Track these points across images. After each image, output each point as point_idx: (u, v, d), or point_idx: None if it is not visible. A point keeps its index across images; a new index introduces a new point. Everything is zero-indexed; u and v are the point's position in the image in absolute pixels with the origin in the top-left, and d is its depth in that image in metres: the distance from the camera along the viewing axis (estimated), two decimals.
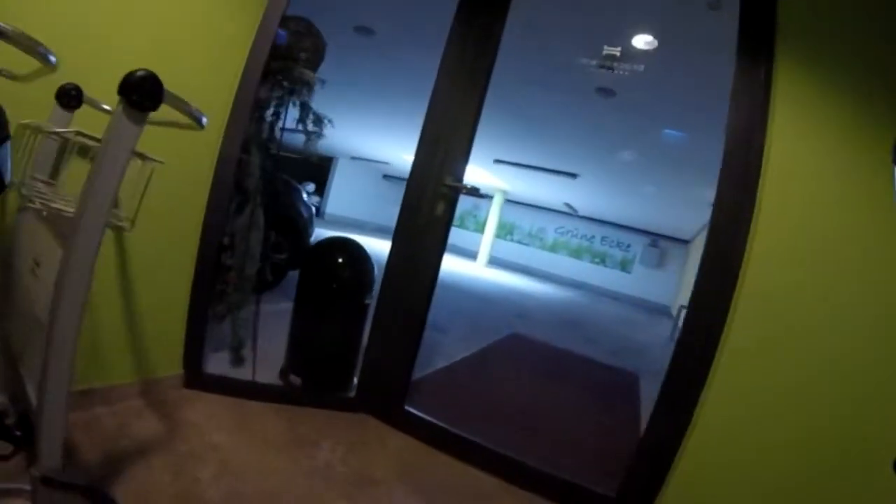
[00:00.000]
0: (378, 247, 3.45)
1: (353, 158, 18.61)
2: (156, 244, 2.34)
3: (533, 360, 5.23)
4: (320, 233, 5.38)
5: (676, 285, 16.89)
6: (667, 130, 6.18)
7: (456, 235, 19.94)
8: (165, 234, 2.39)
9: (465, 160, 2.76)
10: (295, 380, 3.00)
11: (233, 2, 2.40)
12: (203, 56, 2.33)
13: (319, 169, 19.51)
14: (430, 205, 2.72)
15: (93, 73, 1.74)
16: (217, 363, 2.90)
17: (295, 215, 5.22)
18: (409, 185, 2.77)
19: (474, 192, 2.70)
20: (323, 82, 3.08)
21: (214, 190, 2.55)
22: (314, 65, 3.17)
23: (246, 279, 3.11)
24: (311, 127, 3.06)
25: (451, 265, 13.96)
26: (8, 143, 1.17)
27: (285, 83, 2.99)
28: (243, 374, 2.91)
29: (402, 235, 2.79)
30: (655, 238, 18.23)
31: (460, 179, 2.72)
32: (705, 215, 9.73)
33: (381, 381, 2.83)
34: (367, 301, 2.99)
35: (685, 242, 17.34)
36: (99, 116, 1.65)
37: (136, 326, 2.36)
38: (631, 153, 7.80)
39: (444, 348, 4.61)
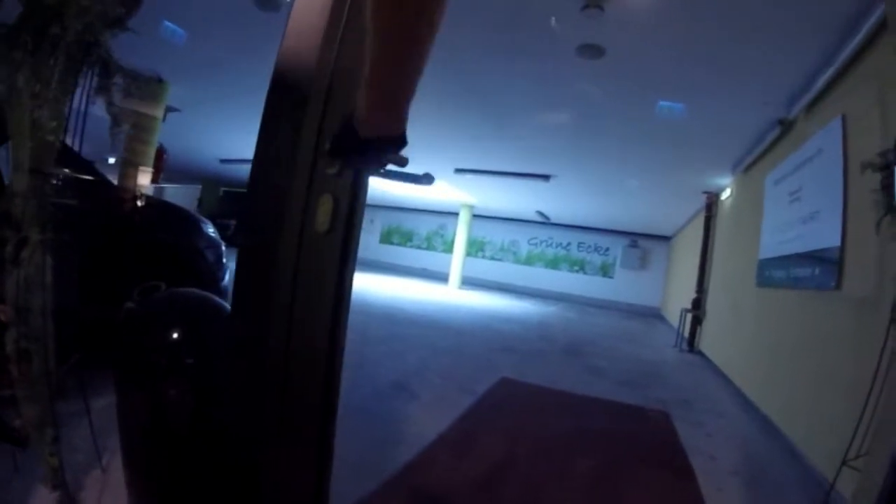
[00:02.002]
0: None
1: None
2: None
3: (535, 419, 3.85)
4: None
5: (662, 285, 16.26)
6: (662, 102, 4.95)
7: (425, 258, 19.35)
8: None
9: None
10: None
11: None
12: None
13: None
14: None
15: None
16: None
17: (193, 258, 3.85)
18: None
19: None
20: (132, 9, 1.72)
21: None
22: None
23: (38, 378, 1.77)
24: (113, 97, 1.69)
25: (420, 292, 12.71)
26: (8, 143, 1.10)
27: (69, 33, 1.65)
28: None
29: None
30: (635, 238, 17.36)
31: None
32: (694, 205, 8.76)
33: None
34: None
35: (667, 239, 16.57)
36: None
37: None
38: (617, 138, 6.58)
39: (413, 423, 3.29)
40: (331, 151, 1.08)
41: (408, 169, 1.04)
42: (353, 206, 1.33)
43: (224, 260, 4.12)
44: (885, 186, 2.23)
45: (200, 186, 19.48)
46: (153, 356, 1.55)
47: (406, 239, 20.50)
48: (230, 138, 10.64)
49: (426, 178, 1.07)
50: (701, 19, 3.43)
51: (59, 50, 1.73)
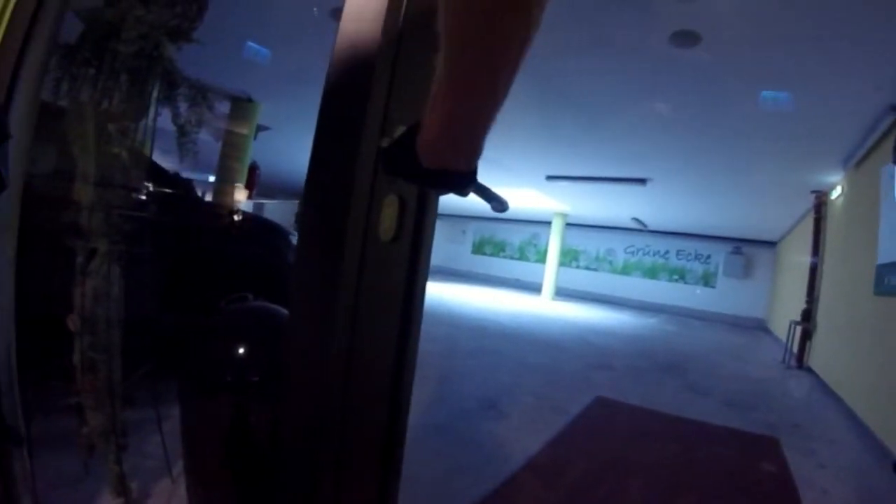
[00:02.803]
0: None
1: None
2: None
3: (634, 444, 3.56)
4: None
5: (768, 295, 15.21)
6: (766, 93, 4.52)
7: (517, 268, 19.15)
8: None
9: None
10: None
11: None
12: None
13: None
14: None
15: None
16: None
17: (281, 269, 3.85)
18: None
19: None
20: (197, 21, 1.66)
21: None
22: (192, 9, 1.76)
23: (105, 388, 1.75)
24: (183, 112, 1.63)
25: (512, 303, 12.50)
26: (8, 143, 0.99)
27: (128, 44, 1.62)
28: None
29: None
30: (738, 244, 16.34)
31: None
32: (802, 206, 8.05)
33: None
34: None
35: (772, 245, 15.52)
36: None
37: None
38: (716, 135, 6.17)
39: (500, 445, 3.10)
40: (385, 170, 0.97)
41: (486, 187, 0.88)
42: (422, 208, 1.20)
43: None
44: None
45: (298, 202, 20.20)
46: (216, 370, 1.47)
47: (499, 249, 20.42)
48: None
49: (500, 205, 0.94)
50: (798, 3, 3.08)
51: (120, 63, 1.70)
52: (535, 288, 17.06)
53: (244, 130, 6.62)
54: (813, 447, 3.85)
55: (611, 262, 18.56)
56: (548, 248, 16.22)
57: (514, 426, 3.59)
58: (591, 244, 18.77)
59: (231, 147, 6.71)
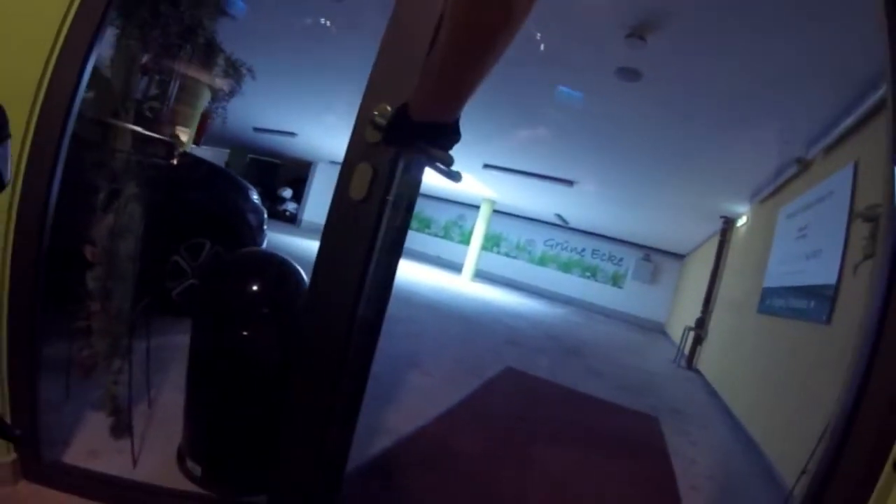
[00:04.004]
0: None
1: (333, 163, 17.63)
2: None
3: (535, 407, 4.16)
4: (291, 241, 4.36)
5: (670, 302, 16.24)
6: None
7: (440, 246, 19.52)
8: None
9: None
10: (194, 468, 1.94)
11: None
12: None
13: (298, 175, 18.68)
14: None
15: None
16: (93, 429, 2.05)
17: (237, 220, 4.14)
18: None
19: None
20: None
21: (31, 166, 1.52)
22: None
23: (113, 313, 2.04)
24: (219, 78, 1.98)
25: (435, 279, 12.99)
26: (8, 142, 1.02)
27: (183, 16, 1.94)
28: (126, 450, 1.94)
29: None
30: (649, 252, 17.41)
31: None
32: (711, 228, 8.91)
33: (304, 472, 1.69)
34: None
35: (681, 257, 16.59)
36: None
37: None
38: (645, 155, 6.80)
39: (424, 396, 3.57)
40: (385, 130, 1.16)
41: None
42: (390, 177, 1.46)
43: (265, 226, 4.41)
44: (871, 236, 2.48)
45: (228, 151, 19.81)
46: (235, 303, 1.85)
47: (424, 225, 20.57)
48: (266, 109, 10.88)
49: (455, 175, 1.07)
50: (731, 60, 3.66)
51: (169, 27, 2.01)
52: (455, 267, 17.51)
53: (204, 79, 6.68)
54: (688, 429, 4.52)
55: (530, 252, 19.22)
56: (473, 230, 16.69)
57: (436, 383, 4.09)
58: (514, 232, 19.33)
59: (188, 93, 6.76)
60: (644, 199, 9.84)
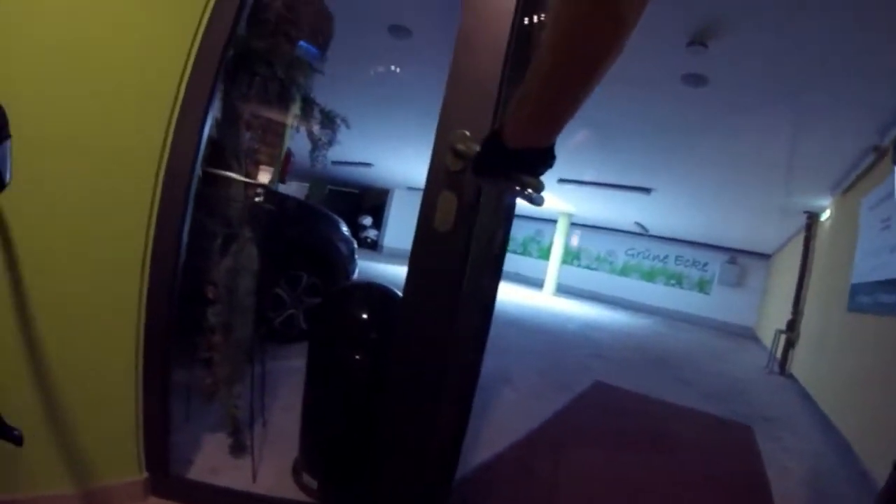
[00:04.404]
0: None
1: (410, 189, 18.12)
2: (80, 302, 1.64)
3: (627, 421, 4.17)
4: (376, 268, 4.61)
5: (758, 305, 15.64)
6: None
7: (519, 263, 19.60)
8: (91, 285, 1.66)
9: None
10: (310, 482, 2.12)
11: None
12: (123, 32, 1.60)
13: (376, 202, 19.25)
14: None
15: None
16: (212, 448, 2.24)
17: (331, 252, 4.43)
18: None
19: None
20: (322, 52, 2.25)
21: (162, 220, 1.74)
22: (317, 43, 2.34)
23: (234, 343, 2.28)
24: (317, 129, 2.21)
25: (516, 295, 13.04)
26: (8, 142, 1.08)
27: (278, 71, 2.17)
28: (244, 467, 2.14)
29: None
30: (734, 254, 16.79)
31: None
32: (796, 224, 8.60)
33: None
34: None
35: (766, 257, 15.95)
36: None
37: (67, 414, 1.64)
38: (720, 157, 6.73)
39: (515, 411, 3.67)
40: (475, 160, 1.07)
41: None
42: (476, 205, 1.41)
43: (356, 255, 4.69)
44: None
45: (308, 185, 20.70)
46: (346, 329, 2.05)
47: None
48: (343, 142, 11.35)
49: (539, 199, 1.00)
50: (799, 56, 3.65)
51: (265, 85, 2.25)
52: (536, 283, 17.51)
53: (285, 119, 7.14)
54: (780, 435, 4.41)
55: (611, 263, 18.96)
56: (551, 245, 16.67)
57: (527, 398, 4.17)
58: (593, 244, 19.15)
59: (270, 133, 7.22)
60: (723, 201, 9.63)
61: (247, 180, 2.26)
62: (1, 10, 1.36)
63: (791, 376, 7.83)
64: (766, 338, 10.81)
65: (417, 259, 1.45)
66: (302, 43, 2.27)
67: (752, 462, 3.60)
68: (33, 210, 1.49)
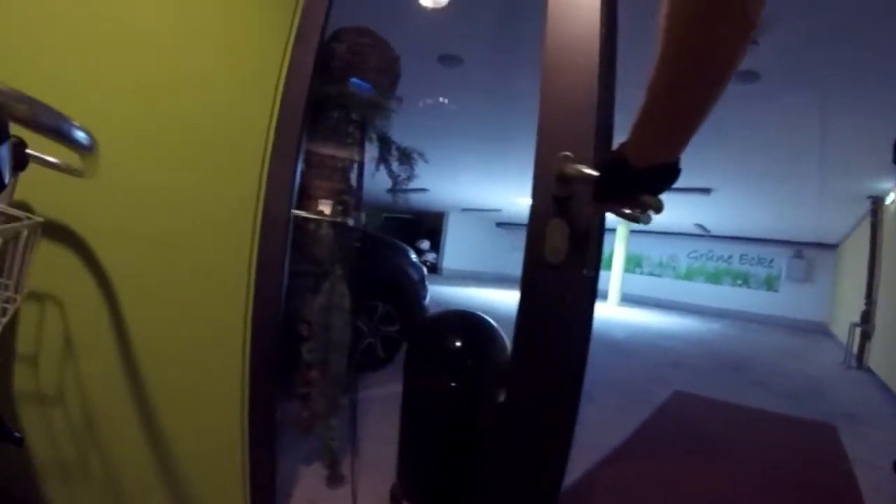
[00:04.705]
0: (499, 297, 2.55)
1: (465, 210, 18.27)
2: (186, 344, 1.69)
3: (712, 430, 4.10)
4: (438, 290, 4.72)
5: (829, 298, 14.93)
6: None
7: None
8: (196, 328, 1.72)
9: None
10: None
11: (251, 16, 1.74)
12: (210, 86, 1.70)
13: (432, 226, 19.46)
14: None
15: None
16: (308, 480, 2.33)
17: (403, 280, 4.55)
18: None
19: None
20: (400, 100, 2.37)
21: (262, 264, 1.81)
22: (385, 84, 2.47)
23: (331, 379, 2.38)
24: (395, 166, 2.33)
25: None
26: (7, 143, 0.98)
27: (353, 115, 2.30)
28: (341, 497, 2.23)
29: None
30: (799, 247, 16.12)
31: None
32: (860, 210, 8.27)
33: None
34: (501, 397, 2.14)
35: (833, 247, 15.28)
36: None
37: (174, 452, 1.68)
38: (779, 147, 6.59)
39: (599, 427, 3.67)
40: (599, 185, 1.01)
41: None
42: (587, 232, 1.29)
43: (426, 281, 4.80)
44: None
45: (363, 213, 21.08)
46: (443, 357, 2.14)
47: None
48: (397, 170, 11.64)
49: (647, 217, 0.96)
50: (845, 43, 3.64)
51: (353, 123, 2.37)
52: (599, 294, 17.12)
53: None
54: (864, 432, 4.32)
55: (674, 268, 18.62)
56: (613, 254, 16.41)
57: (607, 413, 4.16)
58: (654, 250, 18.85)
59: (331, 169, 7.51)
60: (784, 193, 9.35)
61: (331, 219, 2.38)
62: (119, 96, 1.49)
63: (869, 370, 7.54)
64: (840, 332, 10.44)
65: (529, 293, 1.34)
66: (355, 80, 2.38)
67: (839, 462, 3.52)
68: (138, 258, 1.56)
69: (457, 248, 19.03)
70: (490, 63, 4.71)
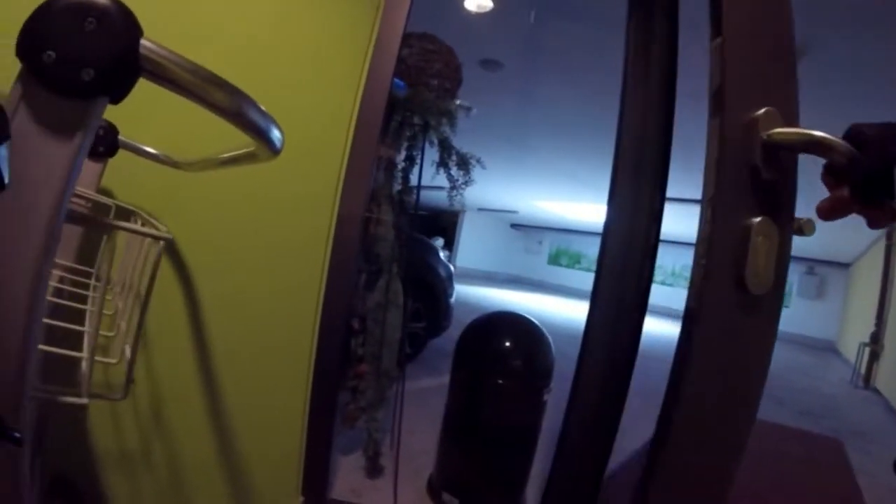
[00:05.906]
0: (512, 298, 2.62)
1: (480, 210, 18.31)
2: (256, 338, 1.73)
3: None
4: (457, 288, 4.78)
5: (839, 317, 14.93)
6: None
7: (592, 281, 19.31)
8: (268, 321, 1.77)
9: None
10: (451, 500, 2.28)
11: (335, 25, 1.83)
12: (298, 90, 1.76)
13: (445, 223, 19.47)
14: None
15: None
16: (348, 471, 2.42)
17: (433, 277, 4.63)
18: (605, 238, 1.92)
19: None
20: (469, 109, 2.44)
21: (335, 261, 1.89)
22: (451, 89, 2.55)
23: (382, 373, 2.47)
24: (454, 171, 2.40)
25: None
26: (8, 143, 0.77)
27: (416, 118, 2.38)
28: (382, 488, 2.30)
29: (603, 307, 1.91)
30: (812, 264, 16.13)
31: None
32: (873, 233, 8.23)
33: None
34: (545, 396, 2.23)
35: (846, 266, 15.28)
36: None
37: (236, 445, 1.73)
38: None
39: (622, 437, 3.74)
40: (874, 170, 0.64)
41: None
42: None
43: (453, 279, 4.87)
44: None
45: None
46: (492, 356, 2.22)
47: (574, 261, 20.60)
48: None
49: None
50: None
51: (416, 127, 2.44)
52: None
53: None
54: (869, 448, 4.48)
55: (686, 278, 18.50)
56: None
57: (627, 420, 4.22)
58: (668, 259, 18.84)
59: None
60: (798, 210, 9.23)
61: (390, 219, 2.46)
62: None
63: (876, 390, 7.62)
64: (848, 351, 10.49)
65: (710, 341, 0.91)
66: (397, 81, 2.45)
67: (846, 475, 3.69)
68: (216, 254, 1.58)
69: (470, 247, 19.06)
70: (527, 69, 4.78)
